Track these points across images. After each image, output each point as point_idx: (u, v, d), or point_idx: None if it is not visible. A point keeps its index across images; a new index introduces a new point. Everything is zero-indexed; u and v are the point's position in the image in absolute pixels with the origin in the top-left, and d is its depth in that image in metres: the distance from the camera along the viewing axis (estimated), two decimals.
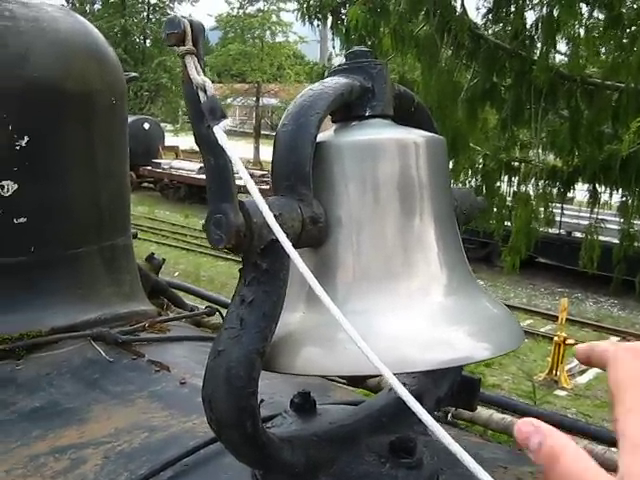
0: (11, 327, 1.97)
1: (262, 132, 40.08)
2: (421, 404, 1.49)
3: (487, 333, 1.12)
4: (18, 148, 1.96)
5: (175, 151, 29.41)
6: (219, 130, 1.02)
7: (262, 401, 1.14)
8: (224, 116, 1.03)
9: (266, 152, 36.78)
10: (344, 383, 2.26)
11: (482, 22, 5.26)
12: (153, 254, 2.91)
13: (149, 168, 26.00)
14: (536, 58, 5.06)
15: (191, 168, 25.98)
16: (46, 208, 2.05)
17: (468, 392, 1.53)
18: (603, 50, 5.98)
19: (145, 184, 27.02)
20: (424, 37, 5.10)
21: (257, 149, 37.28)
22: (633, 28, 5.31)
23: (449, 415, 1.98)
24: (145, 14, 39.74)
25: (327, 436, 1.26)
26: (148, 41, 39.39)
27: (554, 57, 5.11)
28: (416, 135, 1.18)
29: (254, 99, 40.17)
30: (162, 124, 31.81)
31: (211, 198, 1.07)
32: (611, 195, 5.92)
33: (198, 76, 1.04)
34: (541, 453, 0.61)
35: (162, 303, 2.82)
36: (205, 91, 1.03)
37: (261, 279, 1.07)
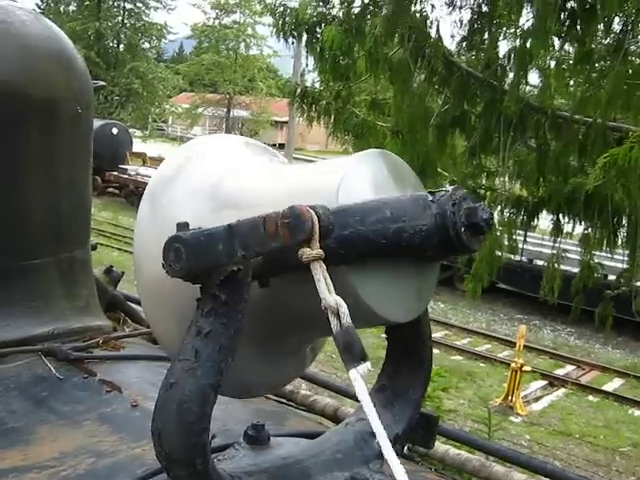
0: None
1: None
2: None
3: None
4: None
5: (142, 158, 29.13)
6: (358, 377, 0.90)
7: (214, 437, 1.10)
8: (364, 358, 0.89)
9: None
10: (303, 410, 2.23)
11: (456, 49, 5.30)
12: (112, 266, 2.84)
13: (115, 174, 25.71)
14: (507, 88, 5.12)
15: None
16: (3, 216, 1.98)
17: (426, 429, 1.51)
18: (572, 83, 6.06)
19: (110, 189, 26.70)
20: (398, 61, 5.12)
21: None
22: (602, 64, 5.39)
23: (405, 448, 1.95)
24: (120, 18, 39.47)
25: (280, 473, 1.22)
26: (122, 46, 39.09)
27: (525, 88, 5.15)
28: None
29: (225, 110, 40.06)
30: (131, 130, 31.55)
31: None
32: (574, 226, 5.98)
33: (330, 295, 0.91)
34: None
35: (119, 317, 2.75)
36: (339, 317, 0.90)
37: (219, 310, 1.04)
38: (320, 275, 0.93)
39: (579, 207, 5.37)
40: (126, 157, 27.34)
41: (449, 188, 1.10)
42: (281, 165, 1.37)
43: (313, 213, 0.94)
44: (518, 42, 4.91)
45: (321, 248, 0.95)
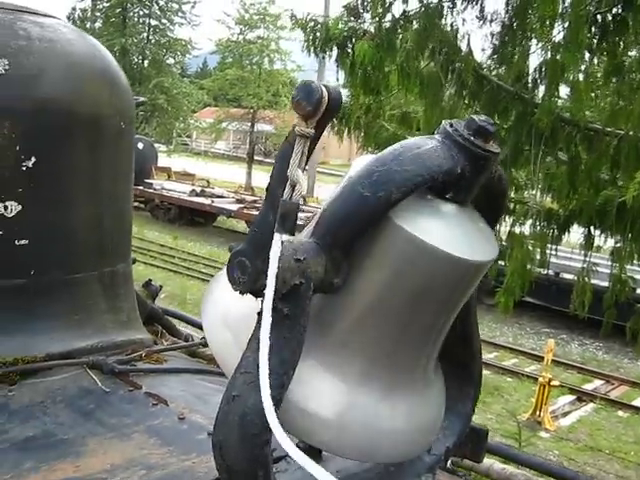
0: (6, 351, 1.92)
1: (255, 158, 40.15)
2: (428, 453, 1.46)
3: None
4: (24, 169, 1.93)
5: (167, 172, 29.35)
6: (277, 240, 0.96)
7: (274, 450, 1.10)
8: (292, 231, 0.95)
9: (258, 177, 36.83)
10: None
11: (486, 63, 5.30)
12: (150, 280, 2.87)
13: (141, 188, 25.92)
14: (539, 101, 5.10)
15: (183, 190, 25.94)
16: (48, 231, 2.01)
17: (475, 443, 1.50)
18: (600, 96, 6.03)
19: (136, 204, 26.92)
20: (429, 74, 5.12)
21: (249, 174, 37.29)
22: (634, 76, 5.35)
23: (449, 462, 1.94)
24: (145, 35, 39.90)
25: None
26: (146, 61, 39.51)
27: (556, 101, 5.14)
28: (479, 255, 1.13)
29: (249, 124, 40.25)
30: (156, 145, 31.80)
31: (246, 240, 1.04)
32: (605, 239, 5.93)
33: (297, 170, 0.96)
34: None
35: (157, 330, 2.78)
36: (293, 189, 0.95)
37: (281, 324, 1.04)
38: (300, 151, 0.96)
39: (611, 220, 5.32)
40: (151, 171, 27.57)
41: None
42: None
43: (323, 87, 0.98)
44: (549, 55, 4.90)
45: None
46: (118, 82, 2.21)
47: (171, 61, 40.81)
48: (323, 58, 5.92)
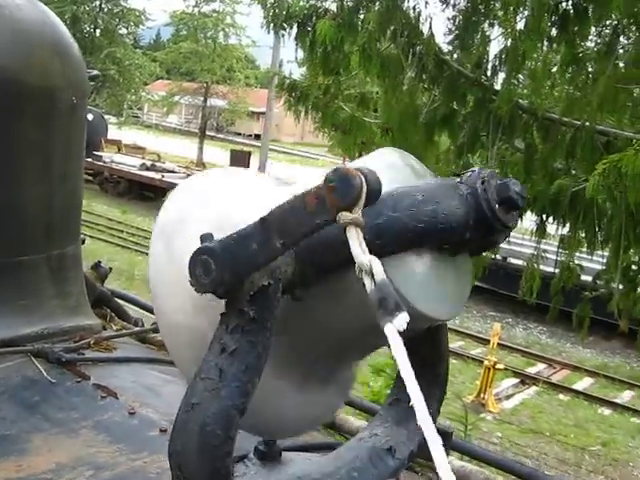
0: None
1: (207, 133, 39.68)
2: (393, 457, 1.41)
3: None
4: None
5: (117, 145, 28.79)
6: (393, 332, 0.84)
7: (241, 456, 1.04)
8: (399, 308, 0.84)
9: (209, 153, 36.41)
10: None
11: (447, 47, 5.26)
12: (100, 262, 2.76)
13: (90, 160, 25.39)
14: (498, 88, 5.09)
15: (133, 163, 25.50)
16: None
17: None
18: (557, 86, 6.05)
19: (84, 177, 26.35)
20: (389, 57, 5.06)
21: (201, 149, 36.84)
22: (591, 67, 5.38)
23: None
24: (97, 3, 38.84)
25: None
26: (98, 31, 38.50)
27: (515, 89, 5.13)
28: (444, 314, 1.10)
29: (202, 99, 39.73)
30: (106, 116, 31.16)
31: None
32: (557, 227, 5.99)
33: (364, 255, 0.85)
34: None
35: (105, 314, 2.68)
36: (372, 276, 0.84)
37: (246, 327, 0.97)
38: (355, 238, 0.87)
39: (564, 209, 5.36)
40: (101, 144, 27.02)
41: (474, 169, 1.06)
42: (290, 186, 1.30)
43: (362, 175, 0.87)
44: (510, 42, 4.89)
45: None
46: (71, 53, 2.09)
47: (124, 31, 39.88)
48: (282, 36, 5.81)
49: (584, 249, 6.21)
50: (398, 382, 1.42)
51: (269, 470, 1.26)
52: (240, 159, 23.41)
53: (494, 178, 1.03)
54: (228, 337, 0.97)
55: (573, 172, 5.47)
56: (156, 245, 1.15)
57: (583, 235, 5.93)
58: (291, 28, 5.61)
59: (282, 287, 0.98)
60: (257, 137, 47.44)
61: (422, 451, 1.42)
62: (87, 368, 1.88)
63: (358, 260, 0.86)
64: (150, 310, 3.21)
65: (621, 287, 6.17)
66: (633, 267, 6.19)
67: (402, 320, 0.85)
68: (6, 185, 1.91)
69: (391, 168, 1.10)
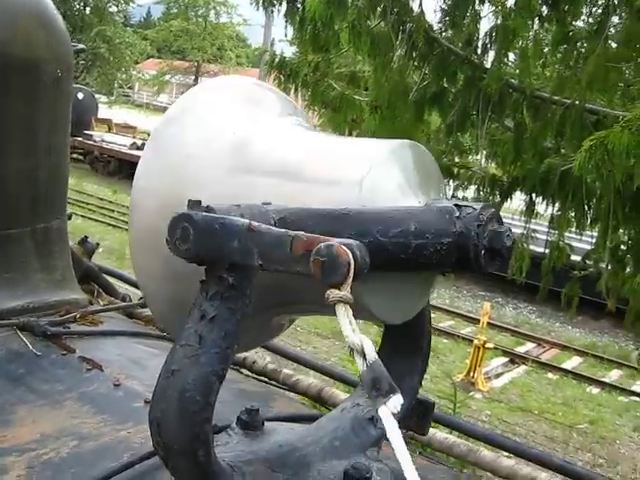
0: None
1: None
2: (375, 427, 1.42)
3: None
4: None
5: (108, 124, 28.60)
6: (387, 414, 0.85)
7: (215, 426, 1.04)
8: (393, 390, 0.85)
9: None
10: (285, 389, 2.18)
11: (438, 25, 5.24)
12: (87, 237, 2.75)
13: (80, 139, 25.24)
14: (488, 66, 5.08)
15: (123, 143, 25.37)
16: None
17: (421, 416, 1.47)
18: (547, 64, 6.05)
19: (75, 155, 26.24)
20: (379, 34, 5.04)
21: None
22: (581, 46, 5.37)
23: None
24: None
25: (279, 462, 1.17)
26: (88, 8, 38.13)
27: (505, 67, 5.12)
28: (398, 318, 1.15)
29: (193, 78, 39.50)
30: (96, 95, 30.92)
31: None
32: (547, 207, 6.00)
33: (354, 335, 0.86)
34: None
35: (92, 290, 2.67)
36: (364, 356, 0.85)
37: (226, 294, 0.97)
38: (344, 317, 0.88)
39: (553, 188, 5.37)
40: (91, 123, 26.84)
41: (478, 205, 1.06)
42: (306, 131, 1.29)
43: (351, 256, 0.88)
44: (500, 20, 4.87)
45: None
46: (55, 25, 2.07)
47: (114, 9, 39.53)
48: (272, 12, 5.76)
49: (573, 229, 6.24)
50: (380, 355, 1.43)
51: (251, 439, 1.27)
52: None
53: (492, 221, 1.03)
54: (207, 304, 0.98)
55: (563, 151, 5.47)
56: (147, 146, 1.17)
57: (572, 214, 5.95)
58: (280, 5, 5.58)
59: None
60: None
61: (405, 422, 1.43)
62: (72, 341, 1.88)
63: (349, 340, 0.87)
64: (137, 285, 3.21)
65: (609, 267, 6.21)
66: (622, 247, 6.23)
67: (396, 402, 0.86)
68: None
69: (401, 167, 1.10)
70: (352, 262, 0.87)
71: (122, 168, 24.73)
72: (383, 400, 0.85)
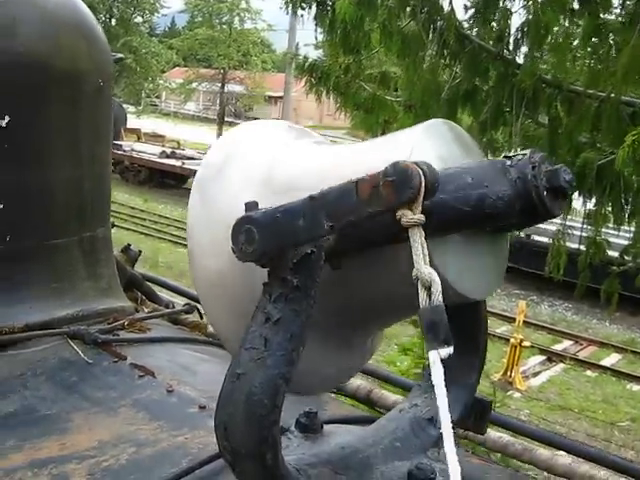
0: None
1: (226, 119, 39.70)
2: (434, 427, 1.40)
3: None
4: None
5: (137, 134, 28.91)
6: (437, 361, 0.84)
7: (283, 429, 1.04)
8: (448, 342, 0.83)
9: None
10: (332, 391, 2.16)
11: (468, 22, 5.20)
12: (129, 245, 2.77)
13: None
14: (521, 62, 5.03)
15: (153, 152, 25.61)
16: (25, 194, 1.90)
17: (479, 415, 1.45)
18: (578, 58, 5.97)
19: None
20: (411, 34, 5.01)
21: (220, 136, 36.83)
22: (614, 38, 5.29)
23: None
24: None
25: (342, 464, 1.16)
26: (114, 20, 38.55)
27: (539, 62, 5.07)
28: (478, 293, 1.11)
29: (219, 85, 39.73)
30: (124, 105, 31.25)
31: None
32: (584, 202, 5.92)
33: (425, 267, 0.83)
34: None
35: (136, 297, 2.69)
36: (430, 292, 0.82)
37: (290, 296, 0.97)
38: (418, 243, 0.85)
39: (590, 183, 5.30)
40: (121, 133, 27.12)
41: (526, 152, 1.04)
42: (332, 146, 1.29)
43: (419, 168, 0.86)
44: (532, 15, 4.82)
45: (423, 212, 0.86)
46: (96, 35, 2.08)
47: (139, 20, 39.92)
48: (302, 16, 5.77)
49: (610, 224, 6.15)
50: None
51: (312, 442, 1.26)
52: None
53: (544, 163, 1.01)
54: (271, 306, 0.97)
55: (598, 145, 5.39)
56: (193, 199, 1.17)
57: (609, 209, 5.86)
58: (310, 8, 5.58)
59: (324, 255, 0.97)
60: None
61: (463, 421, 1.41)
62: (123, 349, 1.89)
63: (419, 269, 0.84)
64: (180, 293, 3.22)
65: None
66: None
67: (446, 353, 0.85)
68: (37, 170, 1.91)
69: (440, 142, 1.09)
70: (422, 174, 0.85)
71: (152, 177, 24.97)
72: (436, 346, 0.84)
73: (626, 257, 6.90)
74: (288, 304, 0.96)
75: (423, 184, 0.85)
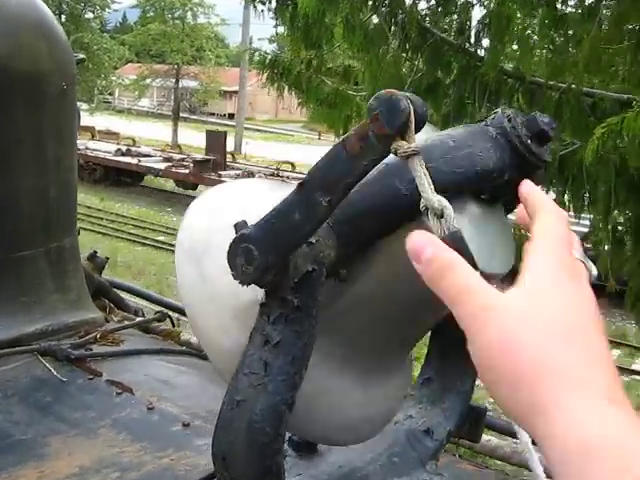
0: None
1: (181, 115, 39.28)
2: (431, 439, 1.36)
3: None
4: None
5: (91, 131, 28.36)
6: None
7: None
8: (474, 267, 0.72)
9: (184, 135, 36.06)
10: None
11: (429, 15, 5.17)
12: (96, 252, 2.67)
13: None
14: (484, 54, 5.03)
15: (108, 149, 25.20)
16: None
17: (473, 422, 1.41)
18: (536, 49, 6.00)
19: None
20: (374, 27, 4.97)
21: (175, 132, 36.45)
22: (572, 29, 5.33)
23: None
24: None
25: None
26: (64, 16, 37.78)
27: (501, 54, 5.07)
28: (497, 267, 0.99)
29: (173, 81, 39.27)
30: (77, 103, 30.68)
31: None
32: (547, 191, 5.95)
33: (432, 194, 0.77)
34: (432, 265, 0.64)
35: (104, 305, 2.60)
36: (441, 217, 0.75)
37: (290, 317, 0.91)
38: (420, 172, 0.79)
39: (552, 173, 5.32)
40: None
41: (497, 110, 0.99)
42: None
43: (403, 95, 0.80)
44: (493, 6, 4.82)
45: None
46: (57, 35, 1.99)
47: (90, 15, 39.23)
48: (262, 11, 5.69)
49: (571, 212, 6.20)
50: (428, 361, 1.37)
51: (307, 461, 1.21)
52: (216, 139, 23.14)
53: (519, 116, 0.97)
54: (270, 328, 0.91)
55: (560, 136, 5.43)
56: (184, 268, 1.07)
57: (568, 198, 5.90)
58: (270, 2, 5.50)
59: (325, 271, 0.91)
60: (231, 116, 47.04)
61: (459, 430, 1.38)
62: (97, 364, 1.81)
63: (427, 198, 0.78)
64: (147, 298, 3.14)
65: (610, 248, 6.18)
66: (619, 228, 6.20)
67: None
68: (1, 178, 1.82)
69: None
70: (408, 99, 0.80)
71: (108, 175, 24.58)
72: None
73: (586, 244, 6.98)
74: (289, 325, 0.91)
75: (411, 108, 0.80)
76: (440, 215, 0.76)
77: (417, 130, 0.82)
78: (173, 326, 2.56)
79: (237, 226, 0.90)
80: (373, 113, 0.81)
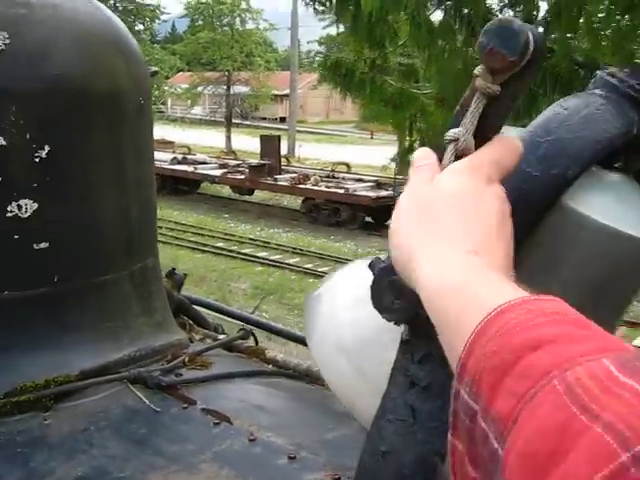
0: (34, 372, 1.67)
1: (233, 121, 39.59)
2: None
3: None
4: (37, 160, 1.65)
5: None
6: None
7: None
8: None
9: (237, 140, 36.30)
10: None
11: (497, 7, 5.00)
12: (174, 269, 2.61)
13: None
14: (554, 45, 4.84)
15: (163, 159, 25.47)
16: (71, 230, 1.74)
17: None
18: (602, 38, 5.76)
19: None
20: (440, 23, 4.83)
21: (229, 138, 36.75)
22: None
23: None
24: (111, 2, 38.78)
25: None
26: None
27: (572, 44, 4.87)
28: None
29: (225, 87, 39.61)
30: None
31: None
32: None
33: (460, 129, 0.78)
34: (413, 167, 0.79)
35: (184, 322, 2.53)
36: (457, 142, 0.78)
37: (440, 354, 0.79)
38: (474, 110, 0.78)
39: None
40: None
41: (594, 75, 0.94)
42: None
43: (512, 18, 0.75)
44: None
45: None
46: (132, 51, 1.92)
47: (140, 27, 39.85)
48: (323, 12, 5.59)
49: None
50: None
51: None
52: (270, 144, 23.16)
53: (620, 72, 0.90)
54: (416, 368, 0.80)
55: None
56: (338, 361, 0.98)
57: None
58: (331, 2, 5.40)
59: None
60: (282, 120, 47.21)
61: None
62: (189, 390, 1.73)
63: (454, 131, 0.80)
64: (228, 314, 3.06)
65: None
66: None
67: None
68: (83, 202, 1.75)
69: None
70: (529, 35, 0.73)
71: (165, 184, 24.80)
72: None
73: None
74: (437, 366, 0.79)
75: (532, 42, 0.73)
76: (455, 139, 0.79)
77: (535, 65, 0.75)
78: (256, 343, 2.47)
79: (372, 264, 0.80)
80: (487, 48, 0.74)
